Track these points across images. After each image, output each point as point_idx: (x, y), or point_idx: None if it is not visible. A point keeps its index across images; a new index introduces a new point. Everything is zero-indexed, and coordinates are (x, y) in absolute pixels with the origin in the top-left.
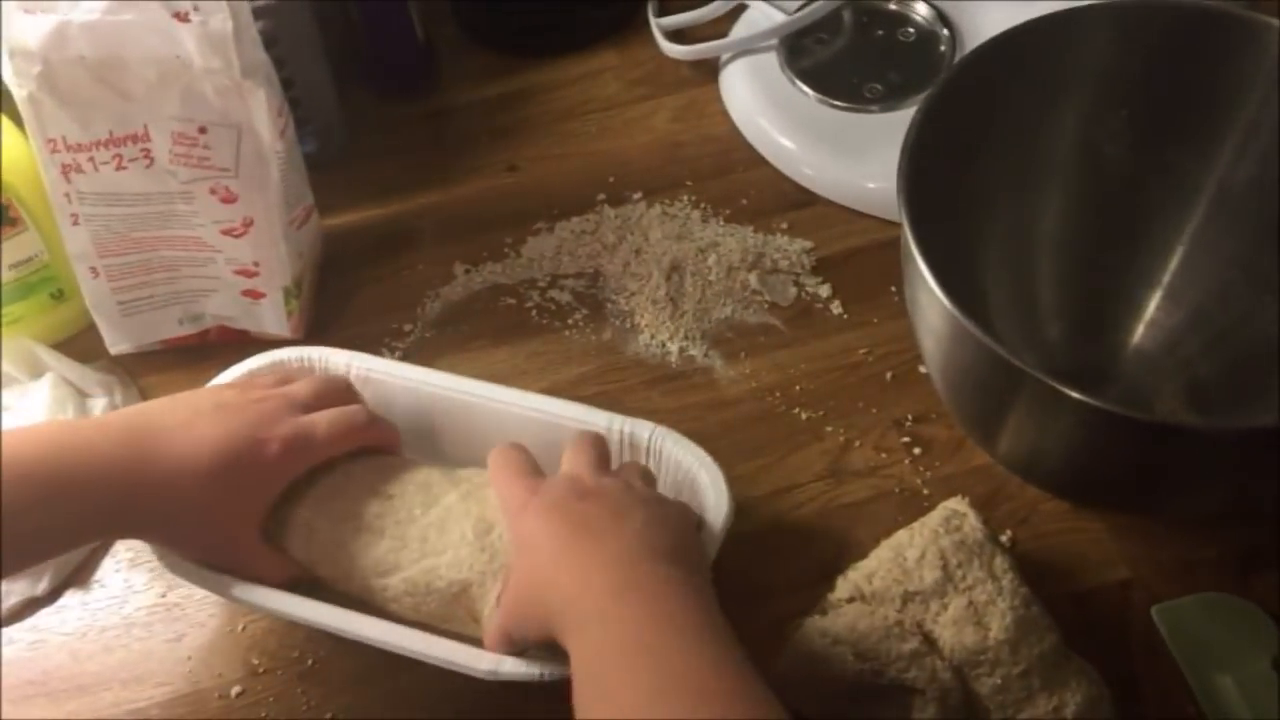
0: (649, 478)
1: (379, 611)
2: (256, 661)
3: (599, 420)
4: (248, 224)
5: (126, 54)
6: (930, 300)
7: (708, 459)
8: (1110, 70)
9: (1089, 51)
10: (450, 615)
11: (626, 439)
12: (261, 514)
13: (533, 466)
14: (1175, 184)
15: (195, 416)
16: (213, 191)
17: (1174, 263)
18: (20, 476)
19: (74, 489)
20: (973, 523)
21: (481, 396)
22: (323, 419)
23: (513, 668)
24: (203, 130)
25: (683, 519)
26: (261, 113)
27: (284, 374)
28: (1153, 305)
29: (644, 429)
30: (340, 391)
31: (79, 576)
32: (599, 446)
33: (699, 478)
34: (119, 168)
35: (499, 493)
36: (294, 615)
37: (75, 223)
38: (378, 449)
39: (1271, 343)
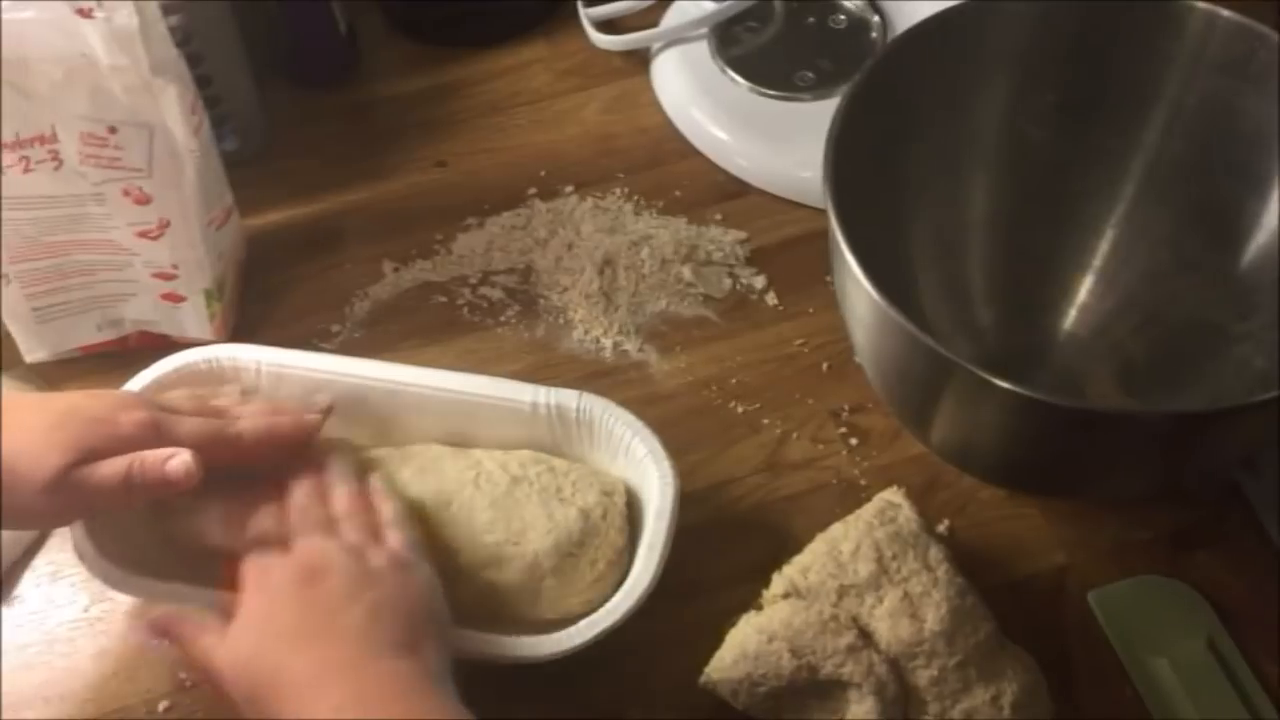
0: (372, 520)
1: None
2: (184, 675)
3: (521, 395)
4: (164, 225)
5: (29, 52)
6: (858, 290)
7: (642, 427)
8: (1035, 54)
9: (1014, 35)
10: None
11: (554, 411)
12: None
13: (277, 538)
14: (1103, 166)
15: (44, 398)
16: (126, 193)
17: (1105, 246)
18: None
19: None
20: (907, 514)
21: (401, 382)
22: (189, 420)
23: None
24: (113, 130)
25: (419, 584)
26: (173, 110)
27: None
28: (1084, 289)
29: (570, 398)
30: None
31: None
32: (317, 488)
33: (635, 449)
34: (26, 170)
35: (247, 550)
36: None
37: None
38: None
39: (1200, 322)
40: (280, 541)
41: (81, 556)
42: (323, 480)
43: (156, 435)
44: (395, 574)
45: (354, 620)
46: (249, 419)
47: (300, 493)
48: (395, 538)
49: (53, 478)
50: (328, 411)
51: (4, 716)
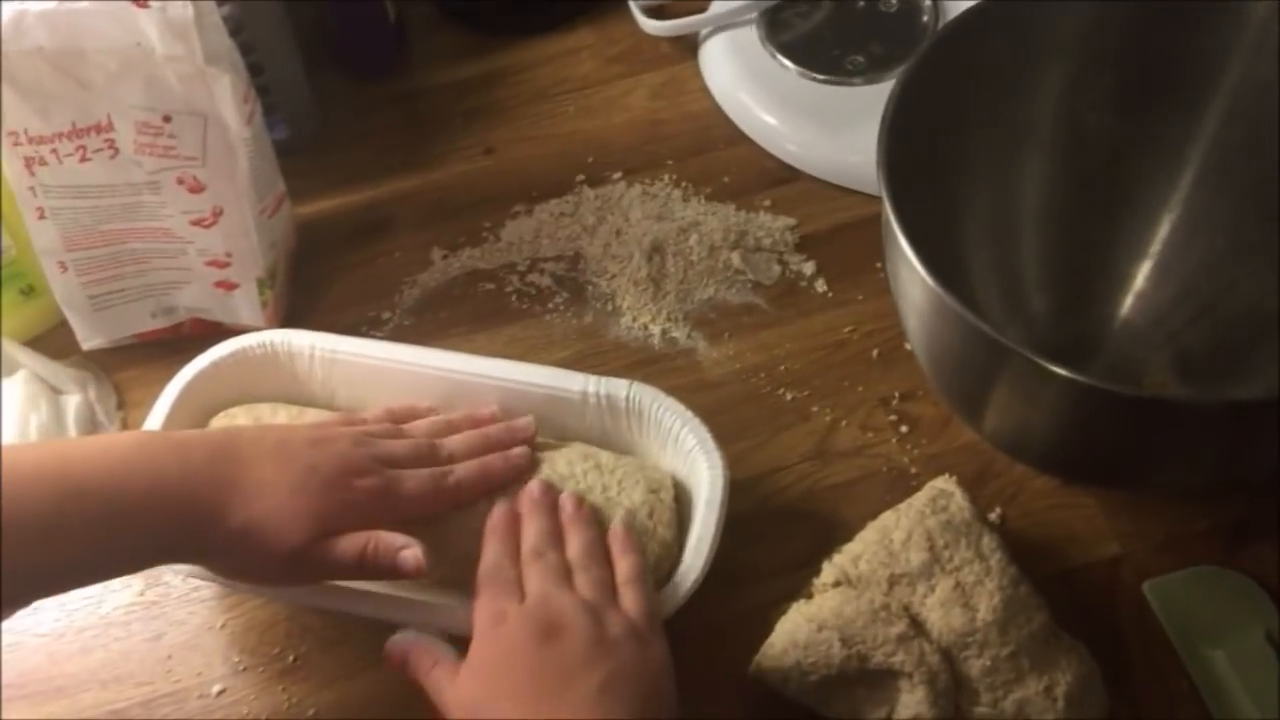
0: (608, 560)
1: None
2: (238, 659)
3: (572, 384)
4: (217, 214)
5: (85, 43)
6: (912, 276)
7: (692, 417)
8: (1092, 37)
9: (1070, 18)
10: None
11: (603, 401)
12: (333, 535)
13: (514, 576)
14: (1161, 152)
15: (284, 448)
16: (180, 181)
17: (1162, 233)
18: (81, 492)
19: (143, 511)
20: (960, 502)
21: (451, 370)
22: (416, 478)
23: None
24: (167, 119)
25: (655, 664)
26: (227, 100)
27: (407, 412)
28: (1141, 276)
29: (620, 387)
30: (470, 423)
31: None
32: (551, 512)
33: (684, 440)
34: (83, 159)
35: (478, 586)
36: (321, 604)
37: (41, 216)
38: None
39: (1258, 311)
40: (515, 584)
41: None
42: (558, 520)
43: (386, 501)
44: (632, 646)
45: (587, 690)
46: (463, 468)
47: (535, 534)
48: (633, 603)
49: (296, 552)
50: (533, 438)
51: (64, 698)
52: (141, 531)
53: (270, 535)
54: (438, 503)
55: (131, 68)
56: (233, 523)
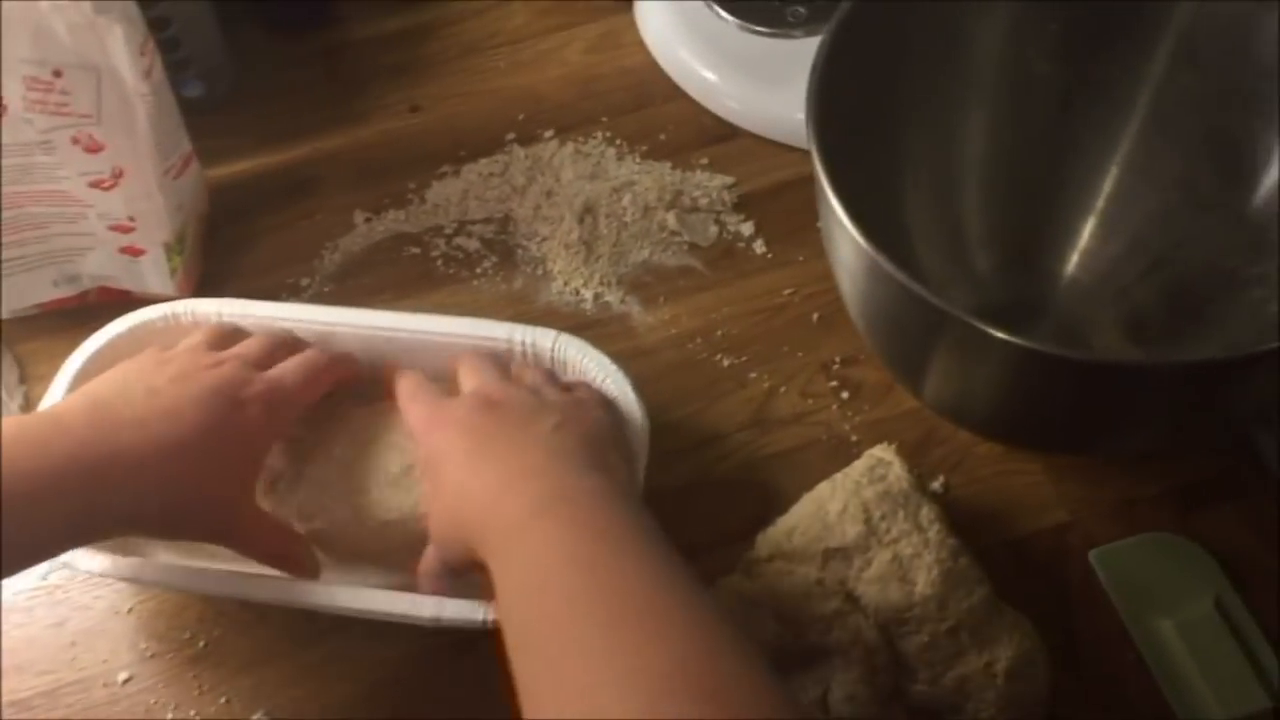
0: (554, 379)
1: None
2: (145, 645)
3: (497, 332)
4: (118, 175)
5: None
6: (843, 235)
7: (613, 368)
8: None
9: None
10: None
11: (529, 350)
12: (253, 478)
13: (438, 390)
14: (1108, 101)
15: (154, 395)
16: (75, 140)
17: (1108, 186)
18: None
19: (39, 495)
20: (898, 471)
21: (370, 327)
22: (289, 368)
23: (454, 612)
24: (58, 73)
25: (598, 418)
26: (121, 52)
27: (222, 336)
28: (1087, 232)
29: (546, 337)
30: (288, 346)
31: None
32: (493, 359)
33: (607, 389)
34: None
35: (406, 417)
36: (217, 591)
37: None
38: (344, 383)
39: (1211, 268)
40: (442, 393)
41: None
42: (501, 364)
43: (274, 401)
44: (572, 407)
45: (539, 432)
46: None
47: (472, 359)
48: (579, 388)
49: (220, 496)
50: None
51: None
52: (51, 516)
53: (184, 476)
54: (320, 383)
55: (17, 18)
56: (145, 477)
